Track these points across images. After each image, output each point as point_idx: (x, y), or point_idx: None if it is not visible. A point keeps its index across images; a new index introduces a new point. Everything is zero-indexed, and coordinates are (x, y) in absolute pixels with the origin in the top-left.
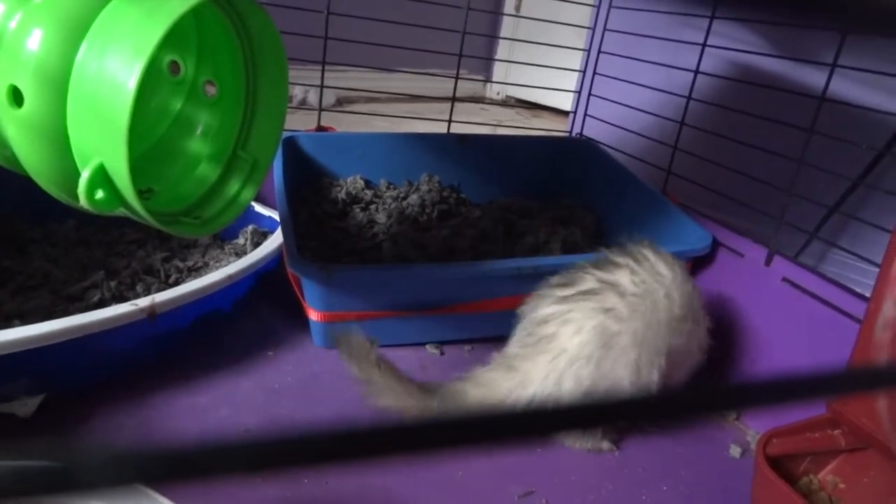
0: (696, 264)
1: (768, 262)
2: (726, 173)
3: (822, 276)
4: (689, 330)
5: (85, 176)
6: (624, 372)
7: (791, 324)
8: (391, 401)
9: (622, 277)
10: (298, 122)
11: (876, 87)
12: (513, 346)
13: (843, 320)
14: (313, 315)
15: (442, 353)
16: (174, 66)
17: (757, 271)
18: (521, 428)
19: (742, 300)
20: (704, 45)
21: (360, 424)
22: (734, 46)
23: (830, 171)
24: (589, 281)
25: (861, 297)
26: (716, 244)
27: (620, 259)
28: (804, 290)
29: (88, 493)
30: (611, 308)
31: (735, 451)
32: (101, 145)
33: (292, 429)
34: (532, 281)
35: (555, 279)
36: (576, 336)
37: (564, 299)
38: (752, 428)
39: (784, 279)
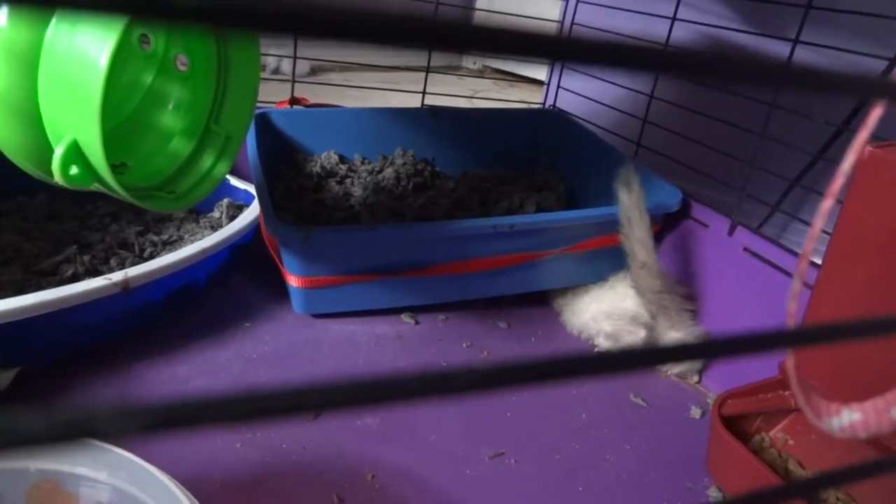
0: (664, 230)
1: (731, 232)
2: (693, 146)
3: (780, 246)
4: None
5: (59, 153)
6: None
7: (751, 290)
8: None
9: None
10: (272, 93)
11: (836, 62)
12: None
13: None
14: (293, 281)
15: (417, 323)
16: (144, 40)
17: (720, 241)
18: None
19: (706, 268)
20: (674, 18)
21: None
22: (703, 19)
23: (792, 145)
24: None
25: (816, 265)
26: (683, 215)
27: None
28: (763, 259)
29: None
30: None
31: (695, 412)
32: (73, 122)
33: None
34: (507, 240)
35: None
36: None
37: None
38: (712, 390)
39: (745, 249)
